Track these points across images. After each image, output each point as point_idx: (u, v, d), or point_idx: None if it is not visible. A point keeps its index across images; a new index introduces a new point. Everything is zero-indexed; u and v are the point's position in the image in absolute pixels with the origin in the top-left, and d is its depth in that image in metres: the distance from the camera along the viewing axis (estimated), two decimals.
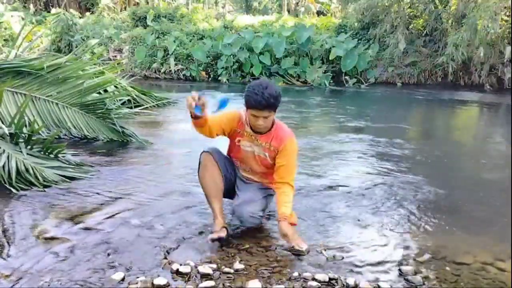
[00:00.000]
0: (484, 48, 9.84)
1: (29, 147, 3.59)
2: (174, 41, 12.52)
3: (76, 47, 11.92)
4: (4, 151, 3.32)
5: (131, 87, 6.75)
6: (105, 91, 5.50)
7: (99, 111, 4.63)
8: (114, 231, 2.52)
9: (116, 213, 2.80)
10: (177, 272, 2.05)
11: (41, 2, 21.06)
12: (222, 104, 2.23)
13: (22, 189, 3.16)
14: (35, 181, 3.24)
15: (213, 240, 2.30)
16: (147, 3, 18.21)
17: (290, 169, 2.38)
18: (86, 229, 2.56)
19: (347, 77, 11.37)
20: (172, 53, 12.38)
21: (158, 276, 2.01)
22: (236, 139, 2.44)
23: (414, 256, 2.29)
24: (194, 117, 2.19)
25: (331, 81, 11.28)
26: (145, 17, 14.32)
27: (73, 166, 3.66)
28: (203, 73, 12.27)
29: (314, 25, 12.83)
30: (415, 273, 2.08)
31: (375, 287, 1.97)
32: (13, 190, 3.10)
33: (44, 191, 3.18)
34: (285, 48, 11.44)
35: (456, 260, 2.23)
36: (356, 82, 11.29)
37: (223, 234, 2.30)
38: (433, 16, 11.31)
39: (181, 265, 2.10)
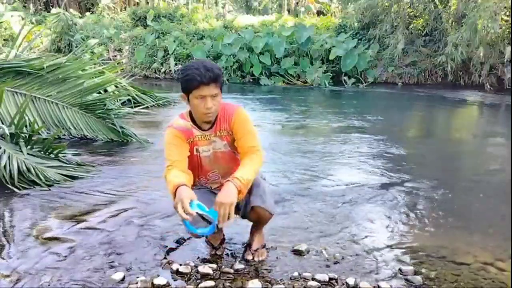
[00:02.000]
0: (484, 48, 9.84)
1: (29, 147, 3.59)
2: (174, 41, 12.53)
3: (76, 47, 11.94)
4: (4, 151, 3.32)
5: (131, 86, 6.75)
6: (105, 91, 5.51)
7: (99, 111, 4.64)
8: (114, 231, 2.53)
9: (117, 213, 2.80)
10: (177, 272, 2.06)
11: (41, 2, 21.04)
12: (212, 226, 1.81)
13: (24, 188, 3.17)
14: (38, 181, 3.24)
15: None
16: (147, 3, 18.20)
17: (250, 137, 2.05)
18: (87, 228, 2.57)
19: (347, 77, 11.38)
20: (172, 53, 12.39)
21: (158, 276, 2.01)
22: (194, 149, 2.09)
23: (414, 256, 2.29)
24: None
25: (331, 81, 11.28)
26: (145, 17, 14.33)
27: (74, 166, 3.66)
28: None
29: (314, 25, 12.84)
30: (415, 273, 2.08)
31: (375, 287, 1.97)
32: (15, 190, 3.11)
33: (49, 189, 3.20)
34: (285, 48, 11.45)
35: (456, 260, 2.23)
36: (356, 82, 11.30)
37: (219, 252, 2.28)
38: (433, 16, 11.31)
39: (181, 265, 2.10)
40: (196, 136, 2.06)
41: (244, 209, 2.10)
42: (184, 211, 1.74)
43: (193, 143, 2.08)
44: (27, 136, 3.61)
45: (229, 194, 1.82)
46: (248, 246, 2.23)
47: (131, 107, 6.00)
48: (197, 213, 1.76)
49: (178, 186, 1.83)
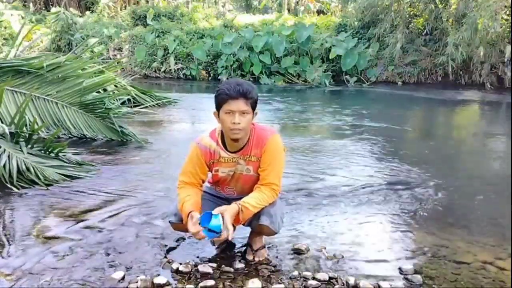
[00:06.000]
0: (484, 47, 9.84)
1: (29, 146, 3.59)
2: (174, 40, 12.52)
3: (76, 46, 11.93)
4: (4, 150, 3.32)
5: (131, 86, 6.75)
6: (105, 90, 5.50)
7: (98, 110, 4.63)
8: (114, 230, 2.53)
9: (117, 212, 2.80)
10: (177, 271, 2.05)
11: (41, 1, 21.00)
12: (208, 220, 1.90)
13: (23, 187, 3.17)
14: (37, 180, 3.24)
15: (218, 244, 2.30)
16: (147, 2, 18.18)
17: (273, 173, 2.01)
18: (86, 228, 2.56)
19: (347, 76, 11.37)
20: (172, 52, 12.38)
21: (158, 275, 2.01)
22: (213, 169, 2.10)
23: (414, 255, 2.29)
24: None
25: (331, 80, 11.28)
26: (145, 16, 14.31)
27: (73, 165, 3.66)
28: (203, 72, 12.27)
29: (314, 24, 12.83)
30: (415, 272, 2.08)
31: (375, 286, 1.97)
32: (14, 189, 3.11)
33: (48, 189, 3.19)
34: (285, 47, 11.44)
35: (456, 259, 2.23)
36: (356, 81, 11.29)
37: (220, 251, 2.29)
38: (433, 15, 11.30)
39: (181, 264, 2.10)
40: (222, 157, 2.05)
41: (252, 220, 2.06)
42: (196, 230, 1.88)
43: (215, 164, 2.08)
44: (27, 135, 3.61)
45: (230, 215, 1.90)
46: (249, 246, 2.23)
47: (131, 107, 6.00)
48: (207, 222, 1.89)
49: (189, 213, 1.93)
